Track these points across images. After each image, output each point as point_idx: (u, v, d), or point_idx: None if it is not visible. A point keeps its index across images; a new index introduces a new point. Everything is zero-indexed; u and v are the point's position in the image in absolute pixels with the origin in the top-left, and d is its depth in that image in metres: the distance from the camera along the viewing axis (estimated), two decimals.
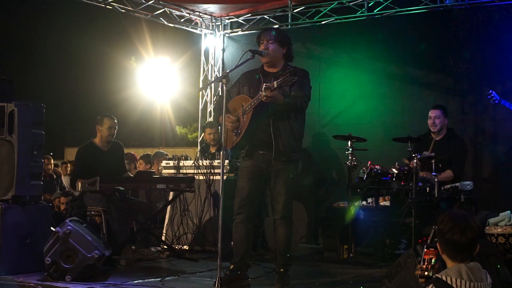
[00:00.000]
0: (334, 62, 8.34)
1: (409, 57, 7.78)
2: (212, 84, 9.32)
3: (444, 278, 2.76)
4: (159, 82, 22.62)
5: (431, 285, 2.78)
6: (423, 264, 2.94)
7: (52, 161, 10.61)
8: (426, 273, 2.91)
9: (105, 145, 6.68)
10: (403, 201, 6.13)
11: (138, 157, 9.52)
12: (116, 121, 6.73)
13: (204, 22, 9.30)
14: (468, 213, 2.97)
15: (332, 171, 8.17)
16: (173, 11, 8.88)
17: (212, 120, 8.95)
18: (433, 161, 6.05)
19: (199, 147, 9.24)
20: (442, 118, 6.56)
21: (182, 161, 7.21)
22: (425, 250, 2.95)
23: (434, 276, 2.84)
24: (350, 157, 6.59)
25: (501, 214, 5.55)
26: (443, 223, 2.83)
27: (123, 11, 8.43)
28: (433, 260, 2.92)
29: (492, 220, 5.52)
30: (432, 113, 6.59)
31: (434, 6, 7.44)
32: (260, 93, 4.70)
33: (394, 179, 6.31)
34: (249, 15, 8.93)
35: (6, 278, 5.08)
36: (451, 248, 2.81)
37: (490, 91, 6.31)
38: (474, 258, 2.86)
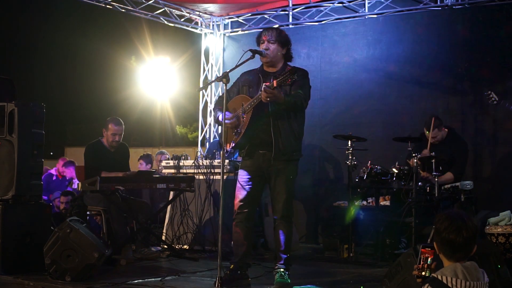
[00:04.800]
0: (334, 62, 8.34)
1: (409, 57, 7.78)
2: (212, 84, 9.33)
3: (440, 278, 2.76)
4: (159, 82, 22.60)
5: (427, 285, 2.79)
6: (419, 263, 2.94)
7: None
8: (423, 273, 2.92)
9: (112, 147, 6.71)
10: (403, 200, 6.13)
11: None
12: (121, 126, 6.67)
13: (204, 21, 9.30)
14: (466, 213, 2.97)
15: (332, 171, 8.17)
16: (173, 10, 8.88)
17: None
18: (433, 161, 6.06)
19: (199, 147, 9.25)
20: (439, 133, 6.51)
21: (182, 161, 7.22)
22: (421, 249, 2.96)
23: (430, 276, 2.85)
24: (350, 157, 6.59)
25: (501, 213, 5.55)
26: (440, 222, 2.84)
27: (123, 10, 8.43)
28: (429, 260, 2.92)
29: (492, 220, 5.52)
30: (428, 135, 6.49)
31: (434, 6, 7.44)
32: (260, 92, 4.71)
33: (394, 178, 6.31)
34: (249, 14, 8.93)
35: (6, 278, 5.08)
36: (447, 247, 2.81)
37: (489, 92, 6.30)
38: (474, 258, 2.86)
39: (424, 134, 6.62)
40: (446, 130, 6.61)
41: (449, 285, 2.73)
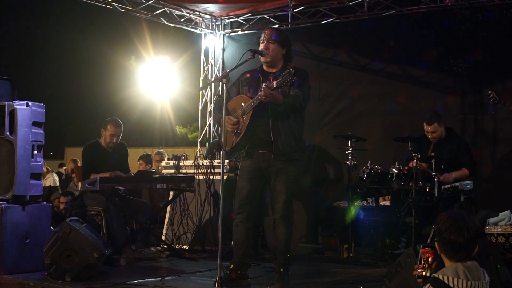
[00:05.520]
0: (334, 62, 8.34)
1: (409, 57, 7.78)
2: (212, 84, 9.32)
3: (441, 278, 2.76)
4: (159, 82, 22.63)
5: (428, 285, 2.79)
6: (420, 263, 2.94)
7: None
8: (423, 272, 2.92)
9: (109, 147, 6.71)
10: (403, 200, 6.13)
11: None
12: (120, 127, 6.71)
13: (204, 21, 9.30)
14: (468, 213, 2.97)
15: (332, 171, 8.17)
16: (173, 10, 8.87)
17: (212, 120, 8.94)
18: (433, 161, 6.05)
19: (199, 147, 9.25)
20: (439, 129, 6.49)
21: (182, 161, 7.22)
22: (422, 249, 2.96)
23: (431, 276, 2.85)
24: (350, 157, 6.59)
25: (501, 213, 5.55)
26: (441, 222, 2.84)
27: (123, 11, 8.42)
28: (430, 259, 2.92)
29: (492, 220, 5.53)
30: (428, 129, 6.45)
31: (434, 6, 7.43)
32: (260, 93, 4.71)
33: (394, 178, 6.31)
34: (249, 14, 8.92)
35: (6, 278, 5.08)
36: (448, 248, 2.81)
37: (489, 92, 6.30)
38: (474, 258, 2.86)
39: (424, 134, 6.61)
40: (444, 129, 6.60)
41: (451, 285, 2.73)
